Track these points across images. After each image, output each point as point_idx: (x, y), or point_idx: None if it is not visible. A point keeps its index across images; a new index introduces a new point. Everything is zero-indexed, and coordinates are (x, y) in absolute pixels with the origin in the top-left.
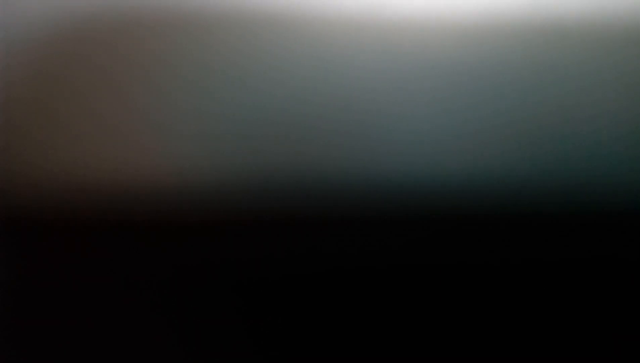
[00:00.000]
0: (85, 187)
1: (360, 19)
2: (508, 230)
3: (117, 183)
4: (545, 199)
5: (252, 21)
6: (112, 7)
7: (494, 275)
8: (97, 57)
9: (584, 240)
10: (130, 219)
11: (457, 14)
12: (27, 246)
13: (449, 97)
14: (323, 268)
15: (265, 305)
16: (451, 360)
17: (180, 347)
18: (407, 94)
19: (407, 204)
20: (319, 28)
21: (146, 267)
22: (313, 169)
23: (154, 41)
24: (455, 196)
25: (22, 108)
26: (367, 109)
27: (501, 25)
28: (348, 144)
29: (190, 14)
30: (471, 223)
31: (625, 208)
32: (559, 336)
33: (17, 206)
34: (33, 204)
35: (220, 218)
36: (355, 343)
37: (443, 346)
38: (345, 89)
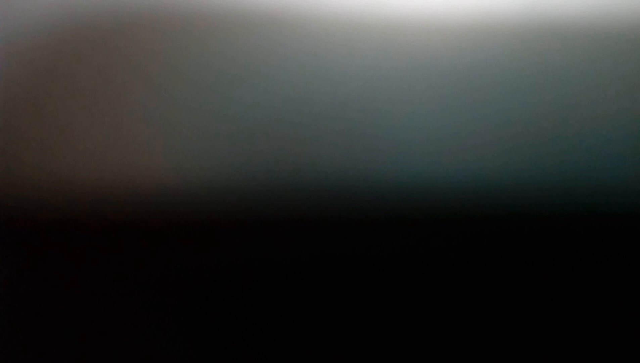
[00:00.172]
0: (85, 187)
1: (360, 18)
2: (509, 231)
3: (117, 183)
4: (547, 201)
5: (252, 21)
6: (113, 7)
7: (495, 276)
8: (97, 57)
9: (585, 241)
10: (131, 219)
11: (458, 14)
12: (27, 246)
13: (449, 97)
14: (324, 270)
15: (266, 306)
16: None
17: (182, 348)
18: (407, 94)
19: (407, 204)
20: (319, 27)
21: (147, 268)
22: (314, 169)
23: (154, 41)
24: (454, 197)
25: (21, 108)
26: (367, 109)
27: (502, 25)
28: (349, 144)
29: (190, 14)
30: (471, 224)
31: (627, 209)
32: (559, 338)
33: (17, 206)
34: (33, 204)
35: (220, 218)
36: (357, 346)
37: (446, 349)
38: (346, 89)
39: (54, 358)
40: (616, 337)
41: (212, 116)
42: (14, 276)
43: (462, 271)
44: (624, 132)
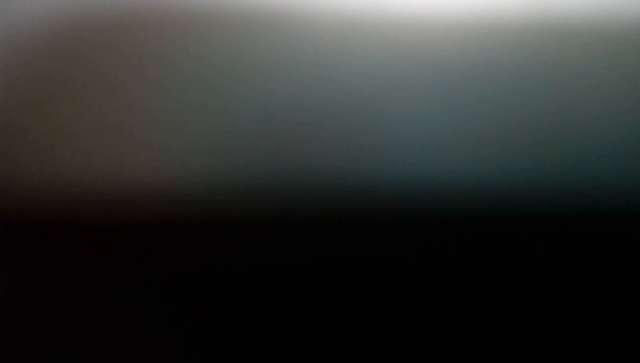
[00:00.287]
0: (85, 186)
1: (361, 16)
2: (508, 231)
3: (117, 182)
4: (548, 201)
5: (252, 19)
6: (113, 7)
7: (495, 277)
8: (97, 57)
9: (585, 241)
10: (131, 218)
11: (458, 12)
12: (27, 247)
13: (449, 96)
14: (324, 270)
15: (267, 306)
16: None
17: (182, 349)
18: (407, 93)
19: (407, 204)
20: (319, 25)
21: (147, 267)
22: (314, 168)
23: (154, 41)
24: (454, 197)
25: (21, 108)
26: (368, 108)
27: (502, 24)
28: (349, 143)
29: (190, 14)
30: (471, 225)
31: (627, 210)
32: (559, 338)
33: (17, 206)
34: (32, 204)
35: (221, 218)
36: (357, 346)
37: (446, 349)
38: (346, 88)
39: (54, 358)
40: (616, 337)
41: (212, 115)
42: (14, 276)
43: (461, 271)
44: (625, 133)
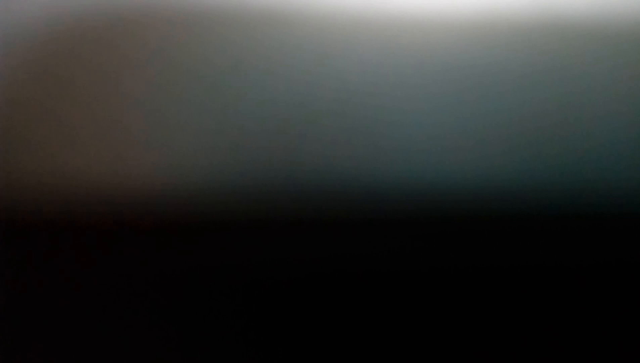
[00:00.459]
0: (85, 186)
1: (363, 15)
2: (510, 231)
3: (118, 183)
4: (550, 201)
5: (252, 18)
6: (113, 6)
7: (497, 277)
8: (98, 57)
9: (587, 241)
10: (132, 218)
11: (460, 12)
12: (27, 248)
13: (451, 96)
14: (325, 270)
15: (268, 307)
16: None
17: (183, 349)
18: (409, 92)
19: (408, 204)
20: (320, 25)
21: (147, 267)
22: (315, 168)
23: (154, 40)
24: (455, 196)
25: (21, 108)
26: (370, 107)
27: (504, 24)
28: (351, 142)
29: (191, 12)
30: (473, 224)
31: (629, 210)
32: (560, 339)
33: (17, 206)
34: (32, 203)
35: (222, 217)
36: (356, 347)
37: (446, 350)
38: (348, 87)
39: (54, 358)
40: (616, 337)
41: (213, 115)
42: (14, 276)
43: (462, 271)
44: (628, 133)
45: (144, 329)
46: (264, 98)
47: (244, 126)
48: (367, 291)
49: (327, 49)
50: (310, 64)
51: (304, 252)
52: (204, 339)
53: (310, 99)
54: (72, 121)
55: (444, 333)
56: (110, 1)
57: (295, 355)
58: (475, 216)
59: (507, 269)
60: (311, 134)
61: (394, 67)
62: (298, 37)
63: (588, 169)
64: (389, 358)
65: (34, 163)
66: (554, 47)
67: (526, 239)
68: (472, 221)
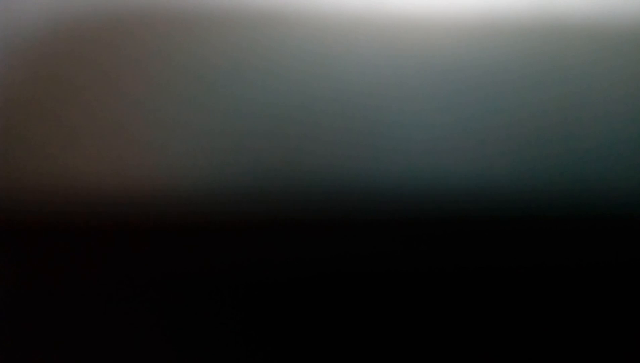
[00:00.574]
0: (86, 188)
1: (363, 16)
2: (510, 232)
3: (118, 184)
4: (550, 202)
5: (252, 19)
6: (114, 7)
7: (498, 278)
8: (98, 58)
9: (588, 242)
10: (132, 219)
11: (460, 12)
12: (27, 248)
13: (451, 97)
14: (325, 271)
15: (268, 309)
16: None
17: (182, 350)
18: (409, 93)
19: (409, 205)
20: (320, 26)
21: (147, 269)
22: (315, 169)
23: (155, 41)
24: (456, 197)
25: (22, 109)
26: (370, 108)
27: (504, 24)
28: (351, 143)
29: (191, 13)
30: (473, 225)
31: (630, 211)
32: (560, 339)
33: (17, 207)
34: (33, 205)
35: (222, 219)
36: (356, 348)
37: (446, 351)
38: (349, 88)
39: (54, 358)
40: (616, 337)
41: (214, 116)
42: (14, 277)
43: (463, 272)
44: (627, 133)
45: (145, 330)
46: (265, 99)
47: (245, 127)
48: (368, 292)
49: (326, 49)
50: (310, 64)
51: (303, 253)
52: (204, 340)
53: (311, 100)
54: (72, 121)
55: (444, 334)
56: (111, 2)
57: (295, 355)
58: (476, 217)
59: (507, 270)
60: (311, 135)
61: (394, 68)
62: (298, 38)
63: (588, 170)
64: (388, 358)
65: (34, 163)
66: (554, 48)
67: (526, 240)
68: (472, 222)
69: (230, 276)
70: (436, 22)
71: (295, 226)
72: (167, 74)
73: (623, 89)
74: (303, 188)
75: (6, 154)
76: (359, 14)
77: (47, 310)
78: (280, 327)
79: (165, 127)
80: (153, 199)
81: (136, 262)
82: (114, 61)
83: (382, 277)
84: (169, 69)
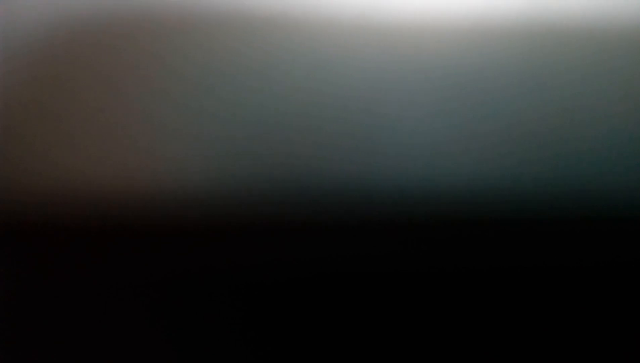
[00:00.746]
0: (84, 190)
1: (362, 21)
2: (510, 234)
3: (117, 186)
4: (548, 203)
5: (252, 23)
6: (113, 10)
7: (498, 279)
8: (98, 60)
9: (586, 244)
10: (131, 222)
11: (457, 16)
12: (27, 249)
13: (449, 100)
14: (325, 273)
15: (267, 310)
16: None
17: (182, 350)
18: (408, 97)
19: (408, 207)
20: (319, 30)
21: (146, 271)
22: (314, 172)
23: (155, 44)
24: (455, 200)
25: (22, 111)
26: (369, 112)
27: (503, 28)
28: (350, 147)
29: (190, 17)
30: (472, 227)
31: (629, 212)
32: (560, 340)
33: (17, 209)
34: (32, 207)
35: (221, 222)
36: (356, 349)
37: (446, 351)
38: (347, 92)
39: (54, 358)
40: (616, 337)
41: (212, 119)
42: (14, 278)
43: (462, 274)
44: (626, 135)
45: (144, 330)
46: (264, 102)
47: (244, 130)
48: (367, 293)
49: (325, 54)
50: (309, 68)
51: (303, 255)
52: (204, 340)
53: (310, 104)
54: (72, 123)
55: (443, 334)
56: (111, 5)
57: (295, 355)
58: (475, 219)
59: (507, 271)
60: (310, 139)
61: (392, 72)
62: (297, 42)
63: (586, 172)
64: (388, 358)
65: (34, 166)
66: (551, 51)
67: (525, 241)
68: (471, 224)
69: (230, 276)
70: (434, 26)
71: (294, 228)
72: (167, 76)
73: (620, 91)
74: (302, 190)
75: (6, 154)
76: (357, 18)
77: (47, 310)
78: (280, 327)
79: (165, 129)
80: (153, 200)
81: (136, 262)
82: (114, 63)
83: (382, 278)
84: (168, 72)
